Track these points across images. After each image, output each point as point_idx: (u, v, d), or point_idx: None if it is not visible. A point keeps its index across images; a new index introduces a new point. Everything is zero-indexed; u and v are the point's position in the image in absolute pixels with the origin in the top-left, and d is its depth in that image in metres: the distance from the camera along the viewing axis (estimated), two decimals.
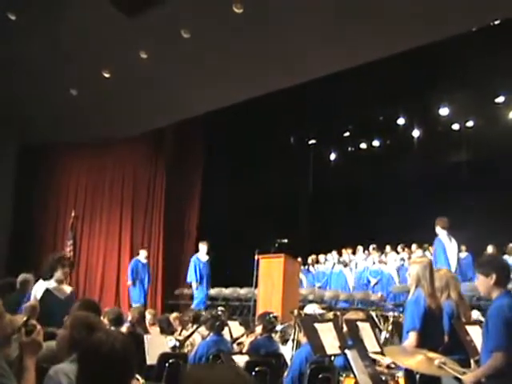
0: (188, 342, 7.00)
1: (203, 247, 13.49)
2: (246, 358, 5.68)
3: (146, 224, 15.52)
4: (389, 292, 14.00)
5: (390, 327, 7.27)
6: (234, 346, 7.12)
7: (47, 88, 12.70)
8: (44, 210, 15.82)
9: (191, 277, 13.27)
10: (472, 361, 4.46)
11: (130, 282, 13.91)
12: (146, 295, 14.04)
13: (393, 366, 4.85)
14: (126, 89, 12.44)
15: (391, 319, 7.79)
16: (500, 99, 15.16)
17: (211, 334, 6.65)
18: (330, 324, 5.09)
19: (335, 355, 4.95)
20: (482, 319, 5.54)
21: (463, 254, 14.11)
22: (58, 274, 6.32)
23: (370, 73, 12.39)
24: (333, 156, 19.81)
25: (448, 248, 10.22)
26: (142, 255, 14.14)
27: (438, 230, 10.30)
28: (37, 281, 9.65)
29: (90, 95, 12.84)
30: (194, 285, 13.19)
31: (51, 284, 6.33)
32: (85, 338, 2.93)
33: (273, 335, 6.93)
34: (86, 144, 15.22)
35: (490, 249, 12.59)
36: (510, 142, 14.59)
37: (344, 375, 4.93)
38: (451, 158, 17.39)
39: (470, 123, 16.43)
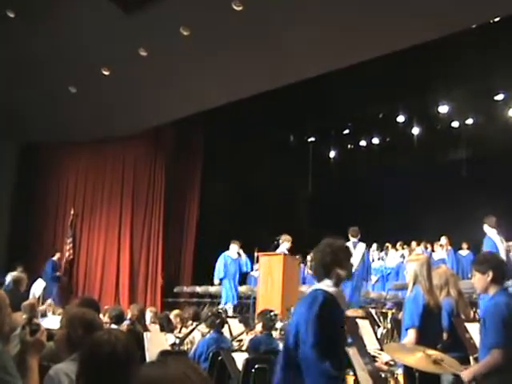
0: (188, 340, 7.00)
1: (234, 247, 12.63)
2: (245, 355, 5.69)
3: (145, 221, 15.51)
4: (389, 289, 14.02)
5: (388, 324, 7.29)
6: (234, 343, 7.12)
7: (46, 87, 12.69)
8: (43, 207, 15.83)
9: (219, 274, 12.53)
10: (471, 358, 4.47)
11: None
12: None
13: (392, 363, 4.85)
14: (126, 87, 12.44)
15: (389, 316, 7.81)
16: (499, 97, 15.16)
17: (211, 331, 6.65)
18: None
19: None
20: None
21: (464, 252, 14.13)
22: (343, 270, 3.70)
23: (370, 70, 12.37)
24: (332, 153, 19.78)
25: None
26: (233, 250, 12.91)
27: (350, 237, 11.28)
28: (35, 279, 9.69)
29: (89, 94, 12.85)
30: (217, 282, 12.56)
31: (328, 286, 3.67)
32: (82, 336, 2.94)
33: (272, 332, 6.93)
34: (86, 142, 15.22)
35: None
36: (509, 139, 14.59)
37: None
38: (451, 156, 17.40)
39: (469, 121, 16.41)
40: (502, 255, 10.02)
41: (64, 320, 3.28)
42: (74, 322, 3.13)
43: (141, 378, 1.57)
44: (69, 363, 2.93)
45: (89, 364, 2.45)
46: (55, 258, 14.62)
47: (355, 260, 11.01)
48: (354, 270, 10.94)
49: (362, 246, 11.44)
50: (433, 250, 14.34)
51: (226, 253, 12.58)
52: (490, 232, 10.18)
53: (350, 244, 11.12)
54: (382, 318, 9.90)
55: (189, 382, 1.53)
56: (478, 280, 4.07)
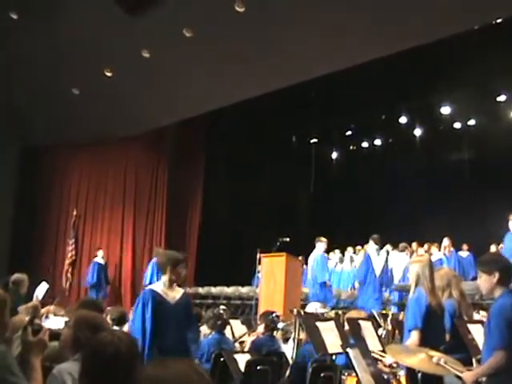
0: None
1: (321, 245, 12.10)
2: (247, 356, 5.68)
3: (147, 223, 15.52)
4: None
5: (389, 326, 7.29)
6: (236, 344, 7.12)
7: (49, 89, 12.72)
8: (46, 209, 15.84)
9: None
10: (474, 360, 4.46)
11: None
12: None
13: (395, 364, 4.85)
14: (128, 88, 12.45)
15: (390, 316, 7.81)
16: (501, 98, 15.14)
17: (213, 332, 6.65)
18: (332, 323, 5.09)
19: (337, 354, 4.96)
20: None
21: (464, 254, 14.10)
22: None
23: (372, 71, 12.38)
24: (334, 155, 19.78)
25: None
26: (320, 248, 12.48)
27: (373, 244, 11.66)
28: (37, 279, 9.67)
29: (91, 95, 12.86)
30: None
31: None
32: (89, 338, 2.94)
33: (274, 333, 6.93)
34: (88, 144, 15.23)
35: (493, 248, 12.57)
36: None
37: (346, 374, 4.93)
38: (453, 157, 17.37)
39: (471, 122, 16.41)
40: (379, 267, 11.38)
41: (71, 321, 3.29)
42: (81, 324, 3.13)
43: (143, 378, 1.57)
44: (72, 363, 2.93)
45: (92, 364, 2.45)
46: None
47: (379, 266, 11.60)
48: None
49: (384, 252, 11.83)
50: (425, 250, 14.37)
51: (315, 252, 12.47)
52: (372, 247, 11.57)
53: (373, 250, 11.65)
54: (382, 320, 9.88)
55: (189, 382, 1.53)
56: (484, 281, 4.04)
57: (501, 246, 12.92)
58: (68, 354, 3.09)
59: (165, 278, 5.15)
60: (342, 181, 18.56)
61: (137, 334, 4.78)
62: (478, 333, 4.55)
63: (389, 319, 7.68)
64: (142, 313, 4.92)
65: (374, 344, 5.01)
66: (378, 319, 7.45)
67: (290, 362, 6.15)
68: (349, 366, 4.49)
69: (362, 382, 4.13)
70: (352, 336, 4.99)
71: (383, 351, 4.94)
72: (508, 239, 9.49)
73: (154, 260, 14.05)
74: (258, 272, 12.22)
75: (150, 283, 13.53)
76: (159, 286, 5.20)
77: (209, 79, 11.76)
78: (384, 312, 10.11)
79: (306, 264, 15.58)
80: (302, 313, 7.29)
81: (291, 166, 17.93)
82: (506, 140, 14.63)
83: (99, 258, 14.61)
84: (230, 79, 11.78)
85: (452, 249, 13.51)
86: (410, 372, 4.36)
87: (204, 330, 7.12)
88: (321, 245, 12.08)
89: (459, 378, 3.97)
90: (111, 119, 13.83)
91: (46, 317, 7.74)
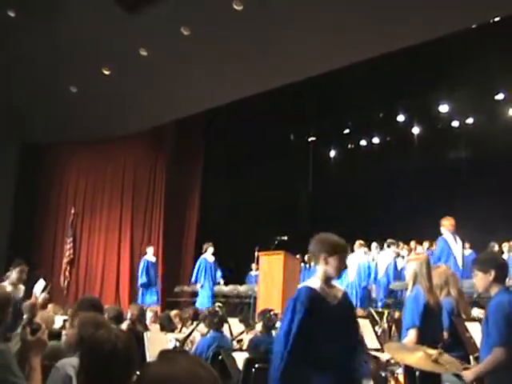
0: (188, 340, 6.99)
1: (360, 251, 12.62)
2: (245, 354, 5.68)
3: (146, 221, 15.52)
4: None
5: (385, 324, 7.30)
6: (234, 343, 7.11)
7: (49, 89, 12.71)
8: (44, 207, 15.83)
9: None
10: (471, 357, 4.47)
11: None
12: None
13: (392, 362, 4.85)
14: (126, 87, 12.44)
15: (386, 314, 7.83)
16: (500, 96, 15.16)
17: (211, 331, 6.64)
18: None
19: None
20: (482, 317, 5.55)
21: (467, 252, 14.08)
22: None
23: (370, 69, 12.38)
24: (332, 153, 19.79)
25: None
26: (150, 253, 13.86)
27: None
28: (37, 280, 9.64)
29: (89, 93, 12.84)
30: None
31: None
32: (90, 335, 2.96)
33: (273, 332, 6.93)
34: (87, 142, 15.21)
35: (495, 246, 12.60)
36: (510, 138, 14.58)
37: None
38: (451, 155, 17.37)
39: (469, 120, 16.42)
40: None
41: (76, 321, 3.30)
42: (86, 324, 3.15)
43: (149, 375, 1.55)
44: (75, 358, 2.95)
45: (89, 361, 2.45)
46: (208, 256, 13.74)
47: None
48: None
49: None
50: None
51: (355, 258, 12.61)
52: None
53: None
54: (378, 318, 9.89)
55: (197, 378, 1.52)
56: (480, 279, 4.08)
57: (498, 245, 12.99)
58: (72, 353, 3.12)
59: (321, 272, 3.82)
60: (340, 179, 18.54)
61: (279, 340, 3.75)
62: (475, 331, 4.57)
63: (385, 317, 7.70)
64: (292, 316, 3.76)
65: (372, 342, 5.01)
66: (375, 317, 7.46)
67: None
68: None
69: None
70: None
71: (381, 349, 4.94)
72: (440, 244, 9.66)
73: (204, 256, 13.92)
74: (252, 270, 12.26)
75: (196, 281, 13.53)
76: (316, 282, 3.83)
77: (208, 78, 11.75)
78: (380, 310, 10.14)
79: (304, 262, 15.62)
80: None
81: (289, 164, 17.92)
82: (504, 138, 14.64)
83: (149, 255, 14.12)
84: (230, 79, 11.77)
85: None
86: (408, 370, 4.36)
87: (201, 329, 7.11)
88: (361, 250, 12.16)
89: (457, 375, 3.98)
90: (111, 118, 13.82)
91: None
